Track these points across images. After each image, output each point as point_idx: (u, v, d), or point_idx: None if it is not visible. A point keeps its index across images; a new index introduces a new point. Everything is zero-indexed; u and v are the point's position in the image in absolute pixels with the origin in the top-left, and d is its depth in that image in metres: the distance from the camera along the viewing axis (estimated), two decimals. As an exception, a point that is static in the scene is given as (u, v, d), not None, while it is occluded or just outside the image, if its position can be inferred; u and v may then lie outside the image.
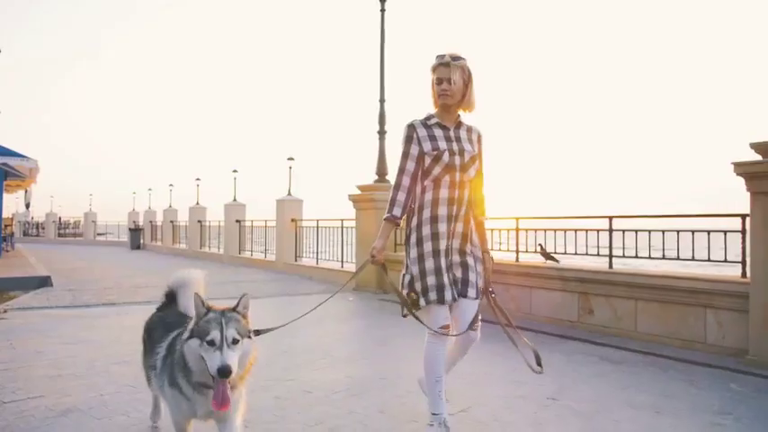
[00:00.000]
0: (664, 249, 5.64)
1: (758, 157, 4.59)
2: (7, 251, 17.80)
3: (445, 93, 2.84)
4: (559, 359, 4.78)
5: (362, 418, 3.26)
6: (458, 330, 2.89)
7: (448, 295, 2.79)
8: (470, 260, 2.90)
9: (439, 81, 2.86)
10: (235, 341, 1.99)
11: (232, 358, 1.95)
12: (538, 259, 6.94)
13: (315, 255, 12.25)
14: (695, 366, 4.55)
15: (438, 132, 2.90)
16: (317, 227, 12.32)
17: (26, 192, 27.54)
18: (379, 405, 3.51)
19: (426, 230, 2.84)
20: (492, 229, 7.16)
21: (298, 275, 11.93)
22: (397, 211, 2.87)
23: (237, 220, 16.68)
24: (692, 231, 5.40)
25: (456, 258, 2.87)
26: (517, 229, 7.09)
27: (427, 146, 2.85)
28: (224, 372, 1.91)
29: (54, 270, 11.60)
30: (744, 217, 4.87)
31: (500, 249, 7.28)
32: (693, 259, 5.46)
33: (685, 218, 5.55)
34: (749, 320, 4.66)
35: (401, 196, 2.87)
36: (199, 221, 19.67)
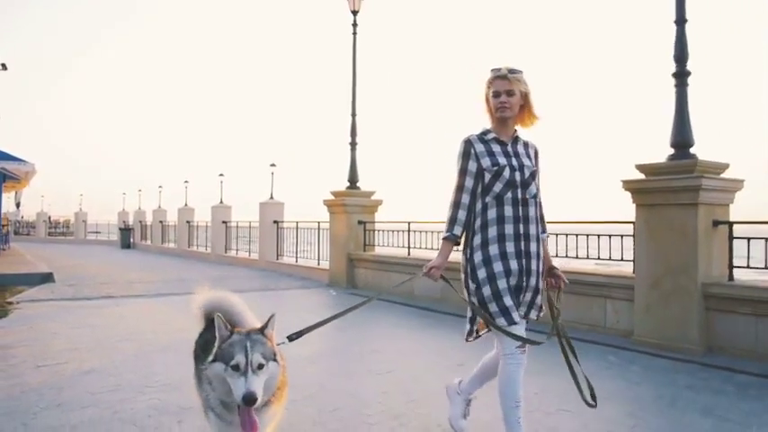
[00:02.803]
0: (577, 249, 6.76)
1: (642, 176, 5.72)
2: (4, 249, 18.67)
3: (504, 105, 2.77)
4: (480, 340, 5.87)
5: (319, 379, 4.33)
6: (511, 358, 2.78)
7: (519, 316, 2.73)
8: (540, 282, 2.81)
9: (496, 94, 2.78)
10: (260, 366, 1.92)
11: (257, 385, 1.88)
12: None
13: (294, 253, 13.32)
14: (591, 344, 5.66)
15: (496, 148, 2.81)
16: (297, 228, 13.39)
17: (16, 191, 28.37)
18: (333, 369, 4.59)
19: (494, 250, 2.71)
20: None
21: (279, 272, 12.99)
22: (457, 230, 2.78)
23: (224, 221, 17.68)
24: (598, 235, 6.52)
25: (525, 280, 2.75)
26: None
27: (486, 162, 2.76)
28: (249, 400, 1.85)
29: (52, 267, 12.54)
30: (634, 224, 5.99)
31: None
32: (599, 258, 6.59)
33: (588, 224, 6.70)
34: (634, 308, 5.78)
35: (461, 215, 2.78)
36: (187, 222, 20.66)
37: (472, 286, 2.76)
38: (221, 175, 19.73)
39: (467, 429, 3.12)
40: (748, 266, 5.33)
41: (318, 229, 12.13)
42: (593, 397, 2.69)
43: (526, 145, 2.88)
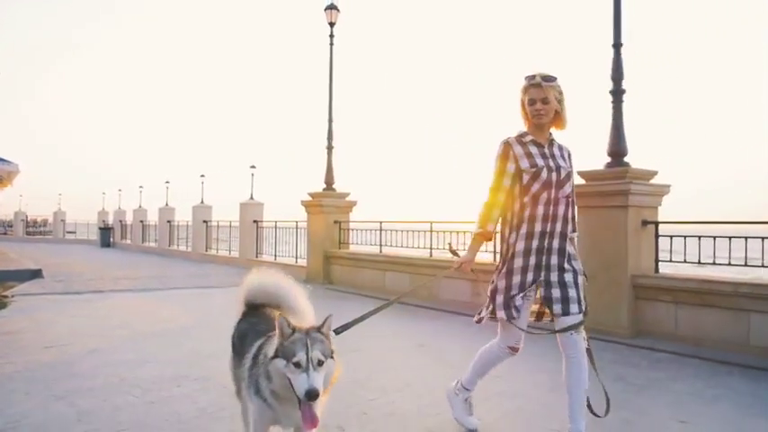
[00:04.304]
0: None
1: (582, 181, 6.46)
2: (-15, 248, 18.92)
3: (539, 113, 2.86)
4: (433, 323, 6.59)
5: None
6: (567, 351, 2.89)
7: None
8: (570, 276, 2.86)
9: (532, 102, 2.86)
10: (320, 362, 2.01)
11: (318, 381, 1.97)
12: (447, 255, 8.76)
13: (273, 252, 13.93)
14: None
15: (534, 150, 2.89)
16: (276, 227, 14.00)
17: (-5, 191, 28.48)
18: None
19: (522, 246, 2.85)
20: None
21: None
22: (491, 227, 2.90)
23: (204, 221, 18.20)
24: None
25: (554, 277, 2.84)
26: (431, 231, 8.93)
27: (524, 163, 2.85)
28: (312, 395, 1.94)
29: (38, 265, 12.98)
30: (577, 223, 6.73)
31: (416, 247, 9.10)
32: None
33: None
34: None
35: (496, 213, 2.90)
36: (168, 221, 21.13)
37: (497, 276, 2.94)
38: (202, 175, 20.32)
39: (476, 424, 3.24)
40: (671, 260, 6.10)
41: (296, 228, 12.76)
42: (608, 408, 2.81)
43: (560, 147, 2.99)
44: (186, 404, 3.53)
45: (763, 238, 5.29)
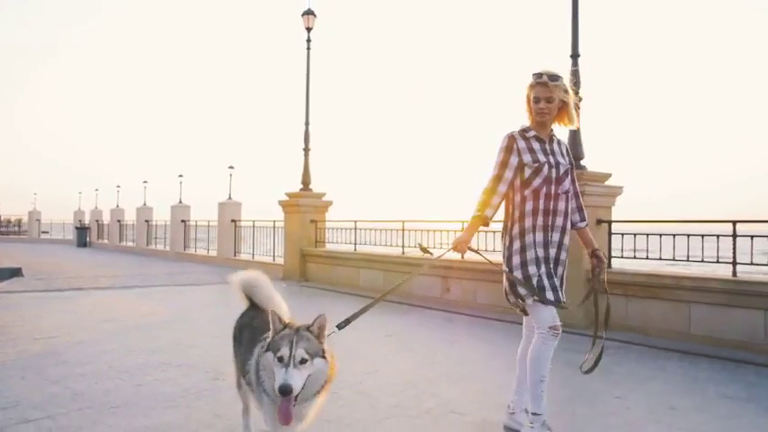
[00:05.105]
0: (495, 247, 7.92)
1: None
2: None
3: (542, 111, 2.91)
4: (403, 317, 6.98)
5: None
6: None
7: (556, 296, 2.89)
8: (562, 270, 3.01)
9: (536, 100, 2.91)
10: (303, 360, 2.01)
11: (296, 378, 1.98)
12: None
13: (251, 250, 14.21)
14: (499, 322, 6.82)
15: (536, 145, 2.96)
16: (254, 227, 14.29)
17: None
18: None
19: (530, 239, 2.92)
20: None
21: (236, 268, 13.49)
22: (489, 213, 2.92)
23: (183, 220, 18.38)
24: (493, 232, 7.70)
25: (553, 267, 2.95)
26: (402, 230, 9.33)
27: (527, 157, 2.92)
28: (284, 390, 1.95)
29: (17, 264, 13.10)
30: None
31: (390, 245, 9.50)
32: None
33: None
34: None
35: (496, 200, 2.93)
36: (146, 221, 21.25)
37: (506, 270, 3.00)
38: (181, 175, 20.52)
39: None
40: (622, 257, 6.58)
41: (274, 227, 13.07)
42: (592, 369, 3.02)
43: (559, 143, 3.05)
44: (171, 386, 3.87)
45: (702, 236, 5.78)
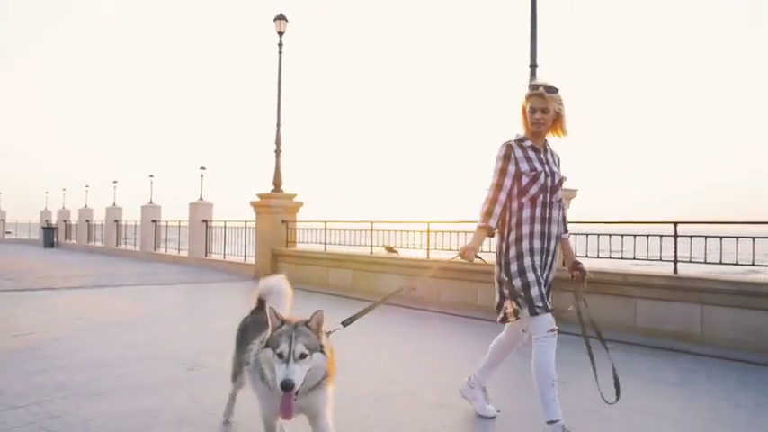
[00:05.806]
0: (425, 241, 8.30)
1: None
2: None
3: (539, 122, 2.98)
4: (374, 315, 7.30)
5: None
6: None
7: (550, 303, 2.98)
8: (552, 276, 3.11)
9: (533, 110, 2.98)
10: (302, 355, 2.05)
11: (296, 373, 2.01)
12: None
13: (222, 251, 14.39)
14: (467, 319, 7.19)
15: (532, 154, 3.03)
16: (225, 227, 14.46)
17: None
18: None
19: (526, 245, 2.98)
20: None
21: (207, 268, 14.01)
22: (493, 223, 2.98)
23: (153, 221, 18.41)
24: (451, 232, 8.10)
25: (547, 274, 3.06)
26: (375, 230, 9.65)
27: (525, 166, 2.99)
28: (286, 386, 1.98)
29: (-16, 264, 13.08)
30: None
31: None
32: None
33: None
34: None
35: (498, 210, 2.99)
36: (115, 221, 21.18)
37: (505, 278, 3.05)
38: (151, 176, 20.52)
39: (493, 411, 3.41)
40: (586, 256, 7.01)
41: (245, 228, 13.28)
42: (617, 393, 2.95)
43: (552, 153, 3.16)
44: (150, 376, 4.13)
45: (647, 236, 6.24)
